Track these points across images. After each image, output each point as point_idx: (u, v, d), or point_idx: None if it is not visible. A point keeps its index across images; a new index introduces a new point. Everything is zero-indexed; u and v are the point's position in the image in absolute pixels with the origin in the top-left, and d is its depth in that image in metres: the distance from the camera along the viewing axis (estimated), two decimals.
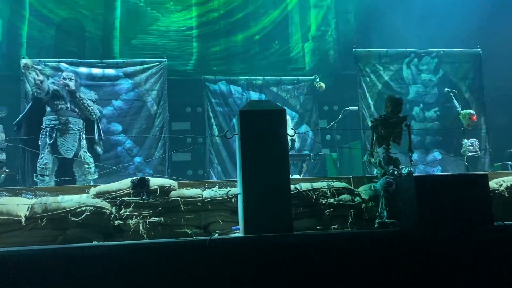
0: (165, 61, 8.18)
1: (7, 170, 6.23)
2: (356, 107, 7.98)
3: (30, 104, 6.13)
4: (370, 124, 4.44)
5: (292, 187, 3.67)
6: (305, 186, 3.94)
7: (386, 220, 3.72)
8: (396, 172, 3.93)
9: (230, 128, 8.23)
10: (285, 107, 8.19)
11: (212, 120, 8.48)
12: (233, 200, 3.73)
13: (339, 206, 3.90)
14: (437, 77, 8.48)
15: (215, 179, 7.91)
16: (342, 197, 3.94)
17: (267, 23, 10.18)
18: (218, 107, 8.57)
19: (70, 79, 5.77)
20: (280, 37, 10.22)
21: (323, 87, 8.01)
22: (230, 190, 3.77)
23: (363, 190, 4.09)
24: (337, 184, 4.03)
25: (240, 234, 3.37)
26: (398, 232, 3.48)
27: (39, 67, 7.46)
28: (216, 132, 8.35)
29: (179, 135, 7.80)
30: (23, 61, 7.48)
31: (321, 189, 3.90)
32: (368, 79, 8.17)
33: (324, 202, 3.87)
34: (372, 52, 8.40)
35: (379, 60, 8.30)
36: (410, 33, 8.93)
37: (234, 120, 8.22)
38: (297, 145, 7.71)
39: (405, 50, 8.51)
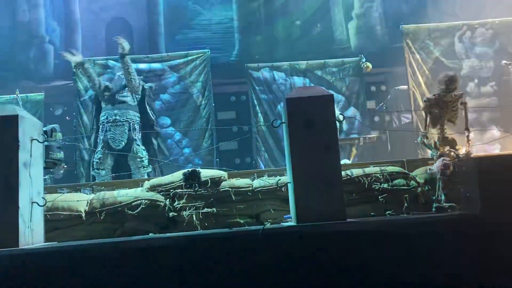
0: (208, 51, 8.25)
1: (65, 166, 6.54)
2: (406, 87, 7.68)
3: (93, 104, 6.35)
4: (422, 104, 4.25)
5: (343, 173, 3.59)
6: (356, 172, 3.85)
7: (444, 204, 3.56)
8: (453, 153, 3.75)
9: (276, 115, 8.19)
10: (331, 91, 8.17)
11: (257, 107, 8.46)
12: (283, 189, 3.70)
13: (393, 191, 3.78)
14: (493, 49, 7.97)
15: (263, 167, 7.93)
16: (396, 181, 3.82)
17: (308, 7, 10.01)
18: (262, 94, 8.54)
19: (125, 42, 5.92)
20: (322, 20, 10.03)
21: (370, 67, 7.74)
22: (280, 179, 3.75)
23: (418, 174, 3.94)
24: (390, 168, 3.90)
25: (292, 222, 3.35)
26: (458, 216, 3.32)
27: (89, 65, 7.74)
28: (262, 120, 8.34)
29: (224, 124, 7.87)
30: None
31: (373, 174, 3.79)
32: (417, 56, 7.81)
33: (377, 188, 3.76)
34: (421, 28, 8.02)
35: (428, 35, 7.91)
36: (461, 4, 8.42)
37: (279, 107, 8.17)
38: (344, 127, 7.55)
39: (456, 23, 8.05)
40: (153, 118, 6.15)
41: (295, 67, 8.58)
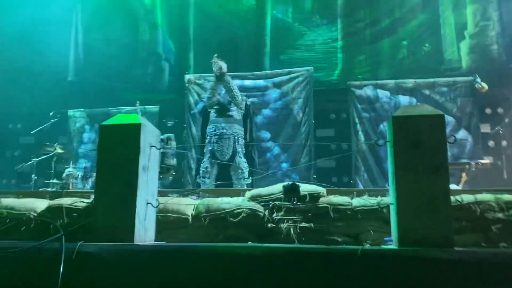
0: (311, 69, 8.37)
1: (174, 173, 7.05)
2: None
3: (201, 117, 6.82)
4: None
5: (452, 198, 3.37)
6: (467, 198, 3.58)
7: None
8: None
9: (377, 134, 7.97)
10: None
11: (358, 126, 8.33)
12: (384, 210, 3.58)
13: (509, 222, 3.44)
14: None
15: (362, 187, 7.74)
16: None
17: (416, 27, 9.68)
18: (364, 113, 8.38)
19: (222, 62, 6.24)
20: (431, 39, 9.60)
21: (485, 88, 7.18)
22: (382, 199, 3.63)
23: None
24: (507, 196, 3.56)
25: (393, 245, 3.22)
26: None
27: (200, 81, 8.34)
28: (362, 138, 8.18)
29: (323, 141, 7.85)
30: (187, 76, 8.47)
31: (487, 202, 3.50)
32: None
33: (490, 217, 3.46)
34: None
35: None
36: None
37: (382, 126, 7.93)
38: (454, 150, 7.07)
39: None
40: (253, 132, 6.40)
41: (401, 86, 8.30)
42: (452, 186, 5.93)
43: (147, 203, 3.42)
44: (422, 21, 9.73)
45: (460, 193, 3.82)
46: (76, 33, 10.75)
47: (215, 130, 6.06)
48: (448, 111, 7.99)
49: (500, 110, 8.67)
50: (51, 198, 4.33)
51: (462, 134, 7.84)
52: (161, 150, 3.74)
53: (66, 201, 3.92)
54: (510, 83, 8.27)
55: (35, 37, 10.00)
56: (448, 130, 7.70)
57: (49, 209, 3.90)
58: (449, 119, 7.92)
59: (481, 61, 9.13)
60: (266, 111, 8.54)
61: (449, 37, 9.56)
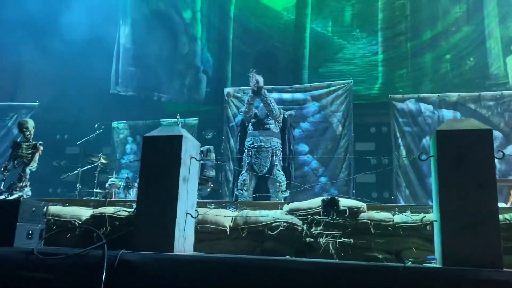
0: (351, 82, 8.28)
1: (212, 185, 7.13)
2: None
3: (239, 129, 6.87)
4: None
5: (500, 217, 3.21)
6: None
7: None
8: None
9: (420, 149, 7.75)
10: None
11: (399, 140, 8.13)
12: (427, 227, 3.46)
13: None
14: None
15: (403, 203, 7.52)
16: None
17: (460, 40, 9.42)
18: (406, 127, 8.18)
19: (258, 76, 6.30)
20: (476, 54, 9.30)
21: None
22: (425, 216, 3.51)
23: None
24: None
25: (437, 264, 3.09)
26: None
27: (239, 95, 8.45)
28: (404, 153, 7.98)
29: (363, 155, 7.71)
30: (226, 90, 8.60)
31: None
32: None
33: None
34: None
35: None
36: None
37: (425, 141, 7.71)
38: (502, 167, 6.76)
39: None
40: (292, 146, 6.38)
41: (444, 99, 8.06)
42: (501, 204, 5.66)
43: (187, 214, 3.47)
44: (466, 34, 9.46)
45: (509, 212, 3.64)
46: (118, 47, 11.19)
47: (253, 143, 6.10)
48: (495, 125, 7.67)
49: None
50: (95, 207, 4.48)
51: (510, 149, 7.49)
52: (201, 162, 3.78)
53: (109, 210, 4.04)
54: None
55: (82, 51, 10.49)
56: (495, 145, 7.38)
57: (93, 217, 4.03)
58: (496, 134, 7.60)
59: None
60: (305, 125, 8.50)
61: (495, 51, 9.23)
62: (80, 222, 4.06)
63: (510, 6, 9.31)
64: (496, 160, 5.45)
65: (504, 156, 3.50)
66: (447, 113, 7.91)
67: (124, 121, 10.56)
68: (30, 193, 5.76)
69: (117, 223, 3.92)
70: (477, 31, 9.43)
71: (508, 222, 3.39)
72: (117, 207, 4.11)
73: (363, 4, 10.20)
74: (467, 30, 9.49)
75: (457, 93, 8.01)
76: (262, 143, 6.01)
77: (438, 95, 8.07)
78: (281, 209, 4.02)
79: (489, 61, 9.20)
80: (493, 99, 7.84)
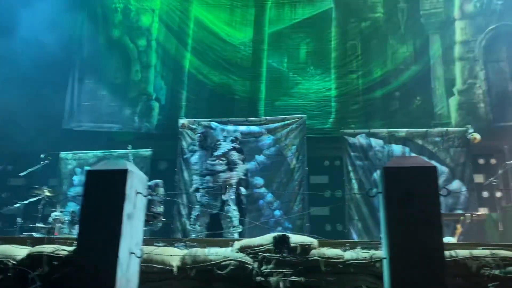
0: (305, 116, 8.44)
1: (164, 219, 6.88)
2: None
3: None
4: None
5: (446, 253, 3.26)
6: (462, 253, 3.47)
7: None
8: None
9: (371, 183, 7.91)
10: (433, 161, 7.72)
11: (351, 174, 8.28)
12: (377, 265, 3.45)
13: (506, 279, 3.32)
14: None
15: (355, 237, 7.58)
16: (510, 268, 3.35)
17: (408, 79, 9.95)
18: (358, 161, 8.36)
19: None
20: (422, 92, 9.85)
21: (477, 138, 7.24)
22: (374, 253, 3.51)
23: None
24: (504, 252, 3.46)
25: None
26: None
27: (194, 126, 8.36)
28: (356, 186, 8.12)
29: (317, 188, 7.77)
30: (181, 121, 8.50)
31: (482, 258, 3.39)
32: None
33: (487, 274, 3.34)
34: None
35: None
36: None
37: (375, 175, 7.88)
38: (449, 201, 6.99)
39: None
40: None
41: (393, 135, 8.33)
42: (448, 239, 5.81)
43: (131, 253, 3.28)
44: (414, 73, 9.96)
45: (455, 247, 3.71)
46: (73, 76, 10.89)
47: (202, 184, 5.99)
48: (441, 160, 7.99)
49: (493, 160, 8.69)
50: (33, 245, 4.17)
51: (456, 184, 7.79)
52: (148, 197, 3.63)
53: (47, 248, 3.77)
54: (501, 138, 8.37)
55: (33, 80, 10.11)
56: (441, 180, 7.68)
57: (29, 257, 3.74)
58: (442, 169, 7.90)
59: (469, 118, 9.26)
60: (260, 157, 8.50)
61: (439, 92, 9.75)
62: (15, 263, 3.74)
63: (451, 49, 9.93)
64: (446, 195, 5.61)
65: (449, 193, 3.61)
66: (397, 148, 8.17)
67: (73, 152, 10.14)
68: None
69: (56, 263, 3.66)
70: (423, 71, 9.95)
71: (454, 258, 3.44)
72: (56, 246, 3.84)
73: (316, 43, 10.57)
74: (414, 69, 10.00)
75: (406, 129, 8.32)
76: (211, 184, 5.94)
77: (388, 131, 8.35)
78: (232, 246, 3.91)
79: (434, 101, 9.69)
80: (439, 135, 8.20)
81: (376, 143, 8.32)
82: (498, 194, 7.84)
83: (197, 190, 5.97)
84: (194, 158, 6.26)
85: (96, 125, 10.52)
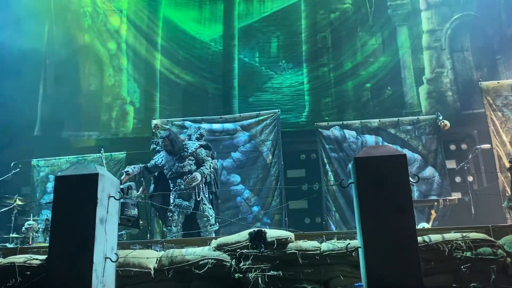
0: (278, 111, 8.45)
1: (142, 222, 6.79)
2: (489, 145, 7.16)
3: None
4: (507, 164, 3.91)
5: (420, 239, 3.33)
6: (435, 237, 3.55)
7: None
8: None
9: (347, 174, 7.98)
10: (406, 149, 7.86)
11: (327, 166, 8.32)
12: (353, 254, 3.50)
13: (477, 260, 3.42)
14: None
15: (334, 228, 7.65)
16: (480, 250, 3.45)
17: (378, 70, 10.09)
18: (333, 153, 8.41)
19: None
20: (392, 83, 10.00)
21: (447, 125, 7.39)
22: (349, 243, 3.56)
23: (507, 242, 3.54)
24: (474, 235, 3.56)
25: None
26: None
27: (167, 126, 8.27)
28: (332, 178, 8.18)
29: (294, 182, 7.79)
30: (154, 121, 8.39)
31: (454, 241, 3.47)
32: (500, 113, 7.34)
33: (459, 256, 3.43)
34: (503, 84, 7.59)
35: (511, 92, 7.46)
36: None
37: (350, 166, 7.98)
38: (422, 188, 7.12)
39: None
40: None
41: (366, 125, 8.42)
42: (423, 224, 5.94)
43: (106, 258, 3.23)
44: (384, 64, 10.11)
45: (428, 233, 3.79)
46: (44, 84, 10.64)
47: (173, 187, 5.91)
48: (414, 148, 8.12)
49: (464, 146, 8.90)
50: (4, 256, 4.06)
51: (429, 171, 7.95)
52: (121, 201, 3.57)
53: (19, 259, 3.67)
54: (470, 124, 8.62)
55: (2, 87, 9.83)
56: (415, 167, 7.83)
57: (0, 268, 3.64)
58: (415, 156, 8.05)
59: (437, 106, 9.48)
60: (236, 154, 8.47)
61: (409, 81, 9.94)
62: None
63: (420, 38, 10.12)
64: (417, 182, 5.72)
65: (419, 180, 3.68)
66: (370, 139, 8.25)
67: (45, 158, 9.89)
68: None
69: (28, 273, 3.57)
70: (392, 61, 10.11)
71: (427, 243, 3.52)
72: (28, 255, 3.75)
73: (287, 36, 10.58)
74: (384, 60, 10.15)
75: (378, 119, 8.43)
76: (182, 186, 5.87)
77: (361, 122, 8.43)
78: (209, 245, 3.89)
79: (404, 91, 9.87)
80: (411, 123, 8.32)
81: (349, 134, 8.39)
82: (470, 179, 8.05)
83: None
84: (162, 162, 6.17)
85: (73, 134, 10.32)
